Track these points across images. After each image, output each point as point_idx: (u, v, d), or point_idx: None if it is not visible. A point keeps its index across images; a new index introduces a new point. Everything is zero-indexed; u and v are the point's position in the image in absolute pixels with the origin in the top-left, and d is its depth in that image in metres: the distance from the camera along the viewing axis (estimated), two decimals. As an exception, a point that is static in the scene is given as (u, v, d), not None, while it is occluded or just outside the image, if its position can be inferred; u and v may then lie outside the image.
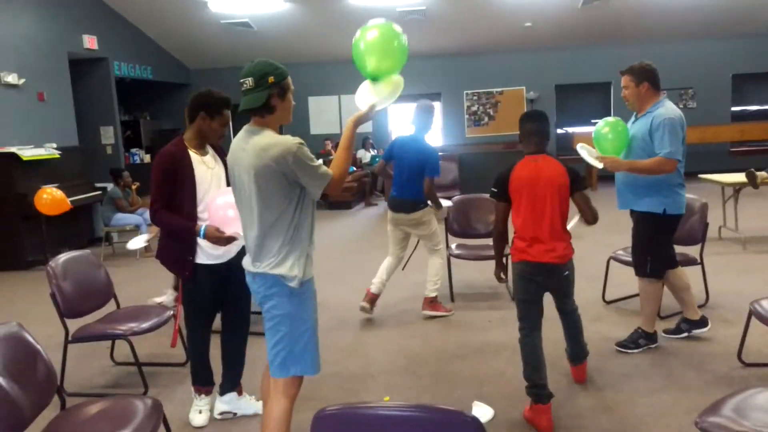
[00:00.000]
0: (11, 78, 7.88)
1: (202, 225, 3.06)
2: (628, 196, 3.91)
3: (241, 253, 3.18)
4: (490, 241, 5.41)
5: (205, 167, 3.18)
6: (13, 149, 7.43)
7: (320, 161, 2.46)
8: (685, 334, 4.14)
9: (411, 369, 3.95)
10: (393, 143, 5.01)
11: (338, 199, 10.67)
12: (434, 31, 11.53)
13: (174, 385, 3.87)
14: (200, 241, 3.11)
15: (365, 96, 2.71)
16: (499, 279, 3.54)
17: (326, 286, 5.99)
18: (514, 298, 3.44)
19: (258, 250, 2.48)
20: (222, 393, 3.40)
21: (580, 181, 3.21)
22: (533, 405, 3.11)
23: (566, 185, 3.15)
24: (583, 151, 3.92)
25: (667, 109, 3.72)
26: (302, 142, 2.42)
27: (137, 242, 6.54)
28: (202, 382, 3.37)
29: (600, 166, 3.85)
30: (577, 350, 3.53)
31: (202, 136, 3.19)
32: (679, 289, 4.16)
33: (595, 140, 3.88)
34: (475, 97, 13.16)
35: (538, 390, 3.09)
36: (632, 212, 3.98)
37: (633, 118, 3.98)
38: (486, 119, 13.19)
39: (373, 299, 4.97)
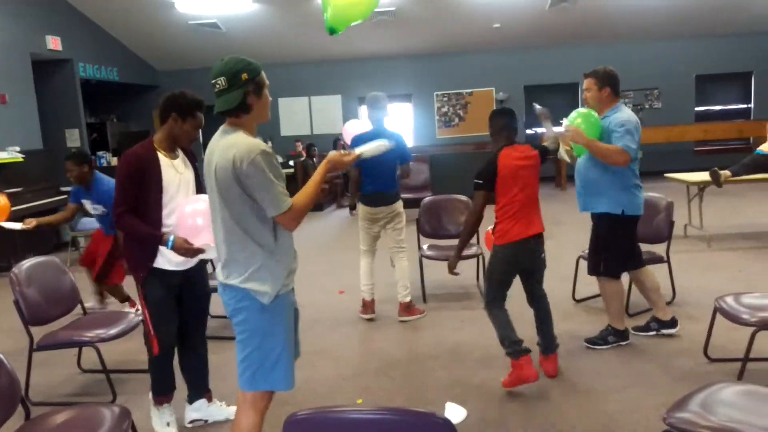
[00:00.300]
0: (-29, 80, 7.68)
1: (170, 236, 2.96)
2: (587, 198, 4.00)
3: (201, 261, 3.20)
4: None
5: (174, 171, 3.09)
6: (-26, 153, 7.25)
7: (282, 185, 2.28)
8: (654, 333, 4.21)
9: (384, 371, 3.95)
10: (355, 143, 4.81)
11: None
12: (404, 32, 11.57)
13: (143, 392, 3.79)
14: (164, 249, 3.02)
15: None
16: (454, 272, 3.69)
17: (299, 288, 5.94)
18: (489, 279, 3.61)
19: (227, 260, 2.36)
20: (191, 401, 3.34)
21: (547, 151, 3.73)
22: (514, 362, 3.39)
23: (539, 162, 3.60)
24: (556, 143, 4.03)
25: (624, 113, 3.87)
26: (268, 150, 2.26)
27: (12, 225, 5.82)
28: (167, 390, 3.28)
29: (567, 158, 4.03)
30: (548, 339, 3.67)
31: (173, 138, 3.10)
32: (648, 289, 4.23)
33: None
34: (445, 98, 13.23)
35: (516, 346, 3.39)
36: (592, 215, 4.06)
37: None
38: (456, 120, 13.27)
39: (370, 306, 4.98)
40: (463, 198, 5.49)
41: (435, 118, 13.32)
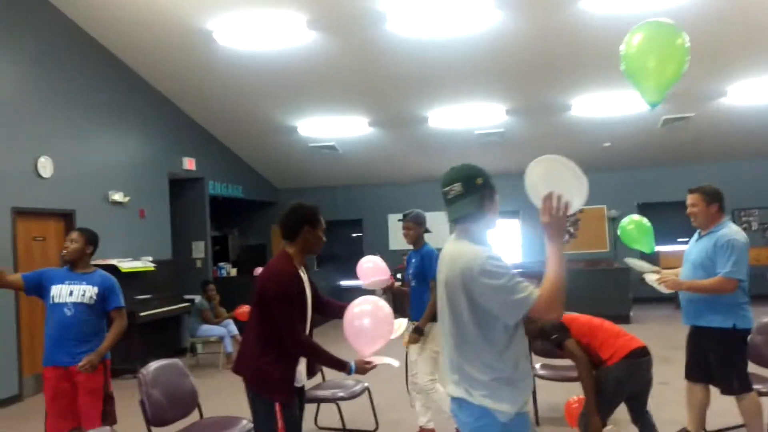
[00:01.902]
0: (117, 196, 8.56)
1: (350, 364, 3.02)
2: (693, 312, 4.00)
3: None
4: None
5: (307, 284, 3.17)
6: (113, 261, 7.93)
7: (521, 281, 2.12)
8: None
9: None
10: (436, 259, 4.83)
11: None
12: (512, 151, 11.77)
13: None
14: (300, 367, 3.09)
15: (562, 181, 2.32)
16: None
17: (404, 403, 5.84)
18: (606, 404, 3.60)
19: (461, 375, 2.23)
20: None
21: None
22: None
23: None
24: (646, 275, 4.24)
25: (732, 230, 3.90)
26: (495, 254, 2.18)
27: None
28: None
29: (662, 289, 4.11)
30: None
31: (308, 249, 3.15)
32: (752, 414, 3.96)
33: (621, 235, 4.36)
34: (554, 215, 13.11)
35: None
36: (695, 329, 4.05)
37: (696, 236, 4.16)
38: (566, 237, 13.05)
39: None
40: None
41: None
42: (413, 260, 4.84)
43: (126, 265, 8.01)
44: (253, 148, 12.24)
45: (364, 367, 2.98)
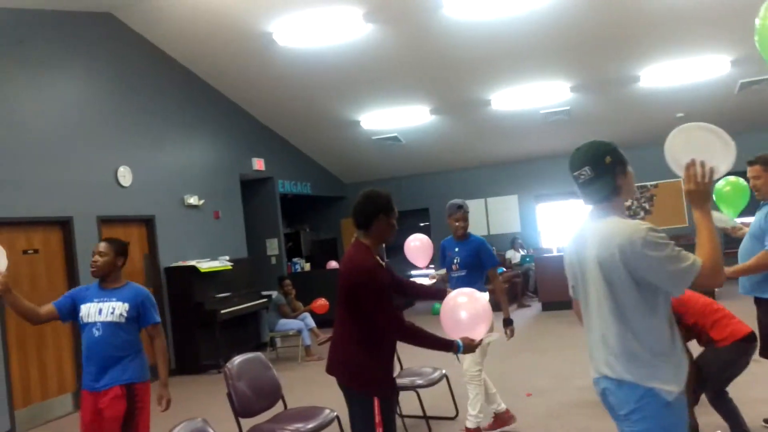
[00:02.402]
0: (193, 200, 8.89)
1: (458, 340, 2.96)
2: (752, 281, 3.83)
3: None
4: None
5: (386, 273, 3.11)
6: (192, 262, 8.26)
7: (682, 250, 2.05)
8: None
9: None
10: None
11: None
12: (580, 129, 11.48)
13: (338, 489, 3.91)
14: None
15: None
16: None
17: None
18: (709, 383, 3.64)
19: (618, 354, 2.17)
20: None
21: None
22: None
23: None
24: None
25: None
26: (652, 226, 2.09)
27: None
28: None
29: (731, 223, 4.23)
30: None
31: (382, 238, 3.09)
32: None
33: (716, 198, 4.18)
34: (628, 192, 12.71)
35: None
36: (756, 300, 3.89)
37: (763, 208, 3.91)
38: (642, 213, 12.62)
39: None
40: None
41: (618, 213, 12.79)
42: (457, 249, 4.85)
43: (204, 265, 8.31)
44: (318, 145, 12.43)
45: (471, 344, 2.92)
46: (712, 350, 3.68)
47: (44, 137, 6.76)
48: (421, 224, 14.09)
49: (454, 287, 4.55)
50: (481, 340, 3.01)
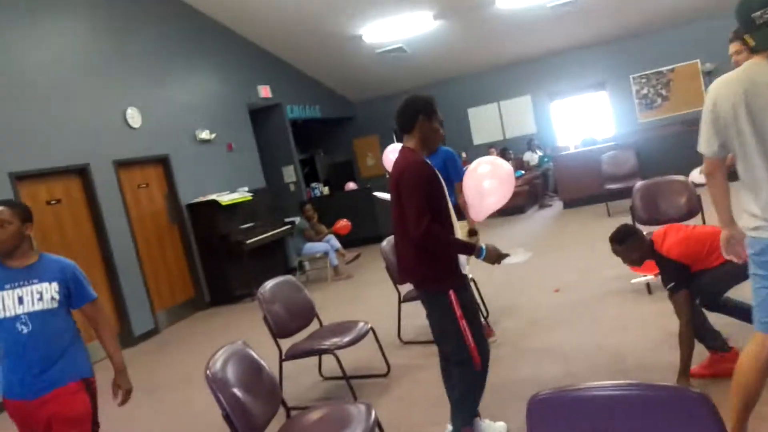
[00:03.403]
0: (204, 134, 8.85)
1: (481, 245, 2.87)
2: None
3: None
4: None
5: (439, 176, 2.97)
6: (213, 197, 8.32)
7: None
8: None
9: (614, 367, 3.78)
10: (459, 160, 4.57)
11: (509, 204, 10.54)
12: (589, 20, 11.07)
13: (378, 395, 4.06)
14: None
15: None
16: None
17: (515, 289, 5.95)
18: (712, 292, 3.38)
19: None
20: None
21: None
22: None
23: None
24: None
25: None
26: None
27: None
28: (475, 413, 3.03)
29: None
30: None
31: (426, 142, 2.98)
32: None
33: None
34: (643, 80, 12.37)
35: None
36: None
37: None
38: (659, 100, 12.33)
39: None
40: (681, 178, 5.08)
41: (634, 102, 12.50)
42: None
43: (225, 198, 8.37)
44: (323, 66, 12.18)
45: (497, 254, 2.85)
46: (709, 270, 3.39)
47: (50, 85, 6.68)
48: (435, 136, 13.95)
49: None
50: (506, 255, 2.94)
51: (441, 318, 2.91)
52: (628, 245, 3.43)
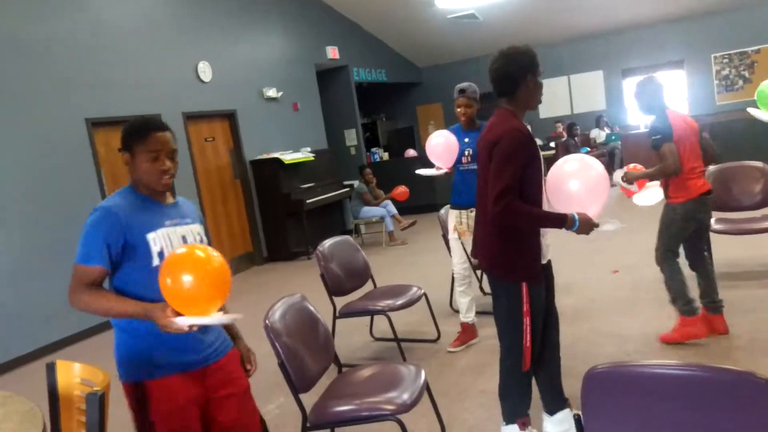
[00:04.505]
0: (271, 92, 8.96)
1: (574, 214, 2.53)
2: None
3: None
4: (754, 214, 4.87)
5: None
6: (276, 155, 8.45)
7: None
8: None
9: (671, 352, 3.71)
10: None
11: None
12: (673, -7, 10.58)
13: (428, 359, 4.11)
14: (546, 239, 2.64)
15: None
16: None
17: (574, 268, 5.86)
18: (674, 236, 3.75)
19: None
20: (552, 412, 2.86)
21: None
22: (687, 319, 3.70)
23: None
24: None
25: None
26: None
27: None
28: (527, 408, 2.78)
29: None
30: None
31: (529, 103, 2.64)
32: None
33: (759, 99, 4.01)
34: (725, 60, 11.78)
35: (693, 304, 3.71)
36: None
37: None
38: (740, 83, 11.73)
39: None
40: (758, 164, 4.86)
41: (714, 83, 11.94)
42: (467, 140, 4.19)
43: (288, 157, 8.49)
44: (392, 29, 12.07)
45: (589, 224, 2.53)
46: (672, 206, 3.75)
47: (124, 38, 6.88)
48: (501, 107, 13.71)
49: (462, 183, 4.22)
50: (598, 224, 2.59)
51: (506, 307, 2.65)
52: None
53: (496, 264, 2.66)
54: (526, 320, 2.58)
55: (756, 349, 3.54)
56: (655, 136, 3.58)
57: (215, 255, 1.89)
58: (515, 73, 2.56)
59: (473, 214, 3.93)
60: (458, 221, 4.26)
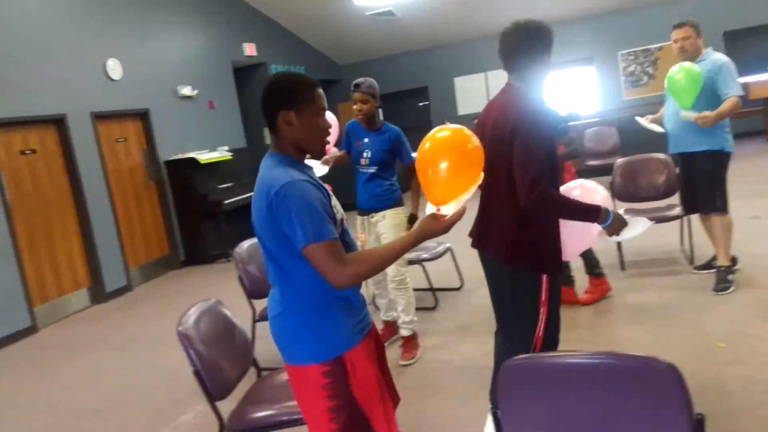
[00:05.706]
0: (186, 90, 8.68)
1: (608, 208, 2.43)
2: (688, 139, 4.23)
3: None
4: (659, 204, 5.11)
5: None
6: (192, 155, 8.20)
7: None
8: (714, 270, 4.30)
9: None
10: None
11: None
12: (581, -7, 10.99)
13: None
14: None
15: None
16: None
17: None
18: None
19: None
20: None
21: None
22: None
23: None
24: (642, 122, 4.62)
25: (720, 55, 4.16)
26: None
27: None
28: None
29: (659, 130, 4.48)
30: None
31: (541, 83, 2.58)
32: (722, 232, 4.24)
33: (669, 86, 4.18)
34: (631, 57, 12.34)
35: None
36: (683, 156, 4.36)
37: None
38: (645, 79, 12.33)
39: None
40: (662, 156, 5.10)
41: (621, 79, 12.49)
42: (366, 140, 3.96)
43: (204, 156, 8.26)
44: (310, 26, 11.95)
45: (620, 221, 2.44)
46: None
47: (28, 33, 6.47)
48: (420, 104, 13.86)
49: (361, 186, 4.02)
50: (627, 223, 2.52)
51: (523, 298, 2.56)
52: None
53: (517, 254, 2.52)
54: (543, 310, 2.52)
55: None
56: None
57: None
58: (535, 48, 2.50)
59: (374, 219, 3.97)
60: (361, 228, 4.12)
